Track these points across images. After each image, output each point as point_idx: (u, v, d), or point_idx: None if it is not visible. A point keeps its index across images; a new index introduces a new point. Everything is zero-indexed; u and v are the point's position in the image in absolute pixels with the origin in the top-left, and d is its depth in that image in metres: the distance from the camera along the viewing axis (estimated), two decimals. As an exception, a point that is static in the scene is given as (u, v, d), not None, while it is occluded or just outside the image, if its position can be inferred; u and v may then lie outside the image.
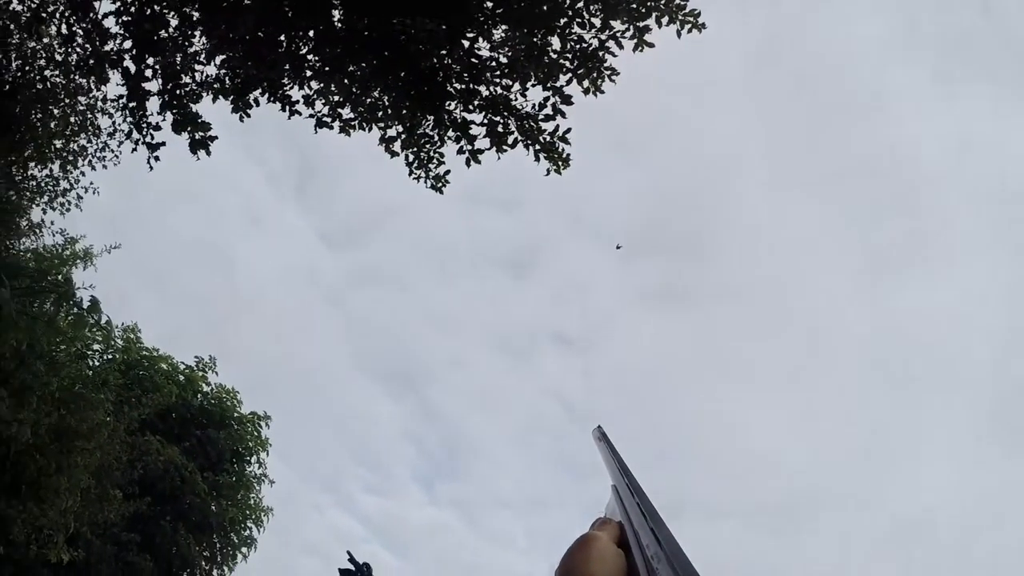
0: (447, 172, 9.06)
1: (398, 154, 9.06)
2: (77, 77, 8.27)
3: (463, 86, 8.56)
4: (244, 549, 17.35)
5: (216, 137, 8.92)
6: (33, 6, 7.44)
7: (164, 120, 8.96)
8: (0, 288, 8.05)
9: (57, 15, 7.62)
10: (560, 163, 8.46)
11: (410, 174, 9.10)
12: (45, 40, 7.97)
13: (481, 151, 8.61)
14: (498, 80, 8.39)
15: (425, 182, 9.12)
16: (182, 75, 9.07)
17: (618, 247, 13.19)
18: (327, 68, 9.15)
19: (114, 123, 9.23)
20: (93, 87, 8.65)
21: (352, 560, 10.86)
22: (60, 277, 9.83)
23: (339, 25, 9.04)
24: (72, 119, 8.60)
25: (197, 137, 8.84)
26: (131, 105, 8.92)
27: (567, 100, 8.16)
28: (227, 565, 16.77)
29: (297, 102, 9.24)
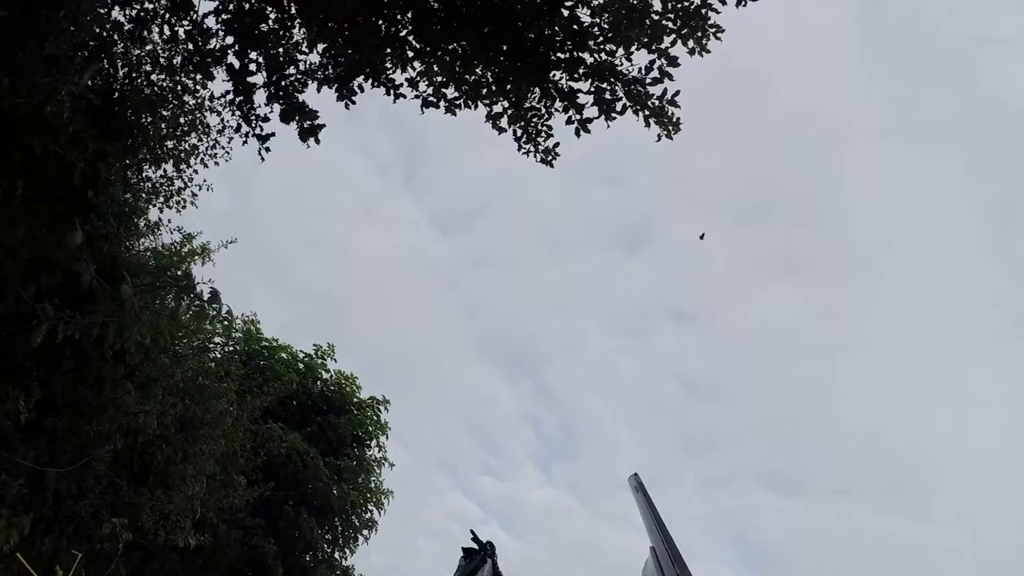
0: (556, 144, 8.77)
1: (506, 130, 8.82)
2: (182, 78, 8.38)
3: (566, 55, 8.21)
4: (365, 531, 17.70)
5: (324, 125, 8.88)
6: (133, 15, 7.55)
7: (272, 112, 9.03)
8: (123, 285, 8.25)
9: (158, 19, 7.70)
10: (671, 127, 8.04)
11: (519, 149, 8.84)
12: (148, 47, 8.11)
13: (590, 120, 8.28)
14: (601, 46, 7.99)
15: (535, 156, 8.87)
16: (286, 66, 9.07)
17: (702, 236, 13.17)
18: (428, 48, 8.95)
19: (222, 120, 9.34)
20: (199, 86, 8.75)
21: (475, 539, 10.67)
22: (180, 272, 10.12)
23: (435, 4, 8.76)
24: (181, 119, 8.74)
25: (306, 125, 8.84)
26: (238, 100, 9.01)
27: (673, 62, 7.73)
28: (349, 547, 17.19)
29: (401, 85, 9.11)
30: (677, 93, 7.86)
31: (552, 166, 8.89)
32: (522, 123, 8.75)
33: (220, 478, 12.00)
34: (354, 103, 9.18)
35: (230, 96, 9.01)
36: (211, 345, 13.04)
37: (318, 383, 18.01)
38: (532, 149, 8.79)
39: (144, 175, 8.98)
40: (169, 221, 9.95)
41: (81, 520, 8.46)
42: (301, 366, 17.64)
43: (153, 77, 8.17)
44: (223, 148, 9.53)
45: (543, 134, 8.72)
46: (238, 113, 9.12)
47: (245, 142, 9.14)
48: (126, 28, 7.60)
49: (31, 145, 6.49)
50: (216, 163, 9.65)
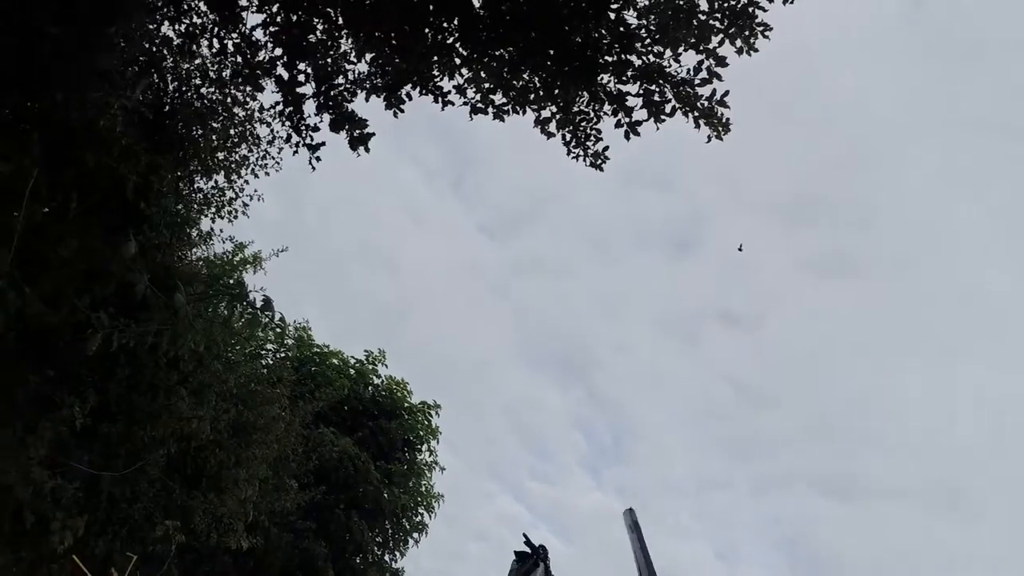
0: (606, 148, 8.71)
1: (554, 134, 8.81)
2: (232, 90, 8.50)
3: (614, 58, 8.21)
4: (415, 534, 17.71)
5: (373, 134, 8.92)
6: (182, 29, 7.69)
7: (321, 122, 9.13)
8: (176, 294, 8.37)
9: (207, 33, 7.82)
10: (720, 128, 7.96)
11: (568, 153, 8.84)
12: (197, 61, 8.27)
13: (639, 122, 8.21)
14: (649, 48, 7.92)
15: (584, 160, 8.84)
16: (334, 76, 9.15)
17: (740, 248, 13.51)
18: (475, 55, 8.96)
19: (272, 131, 9.44)
20: (248, 98, 8.87)
21: (528, 543, 10.57)
22: (232, 281, 10.27)
23: (481, 11, 8.72)
24: (232, 131, 8.87)
25: (356, 134, 8.91)
26: (288, 110, 9.12)
27: (721, 62, 7.63)
28: (399, 550, 17.24)
29: (449, 92, 9.06)
30: (726, 94, 7.79)
31: (602, 170, 8.82)
32: (571, 127, 8.72)
33: (272, 482, 12.14)
34: (402, 111, 9.23)
35: (280, 107, 9.11)
36: (263, 352, 13.25)
37: (369, 388, 18.13)
38: (581, 153, 8.76)
39: (196, 186, 9.15)
40: (221, 231, 10.13)
41: (135, 522, 8.64)
42: (352, 372, 17.78)
43: (203, 90, 8.32)
44: (273, 158, 9.66)
45: (592, 138, 8.67)
46: (288, 124, 9.23)
47: (295, 152, 9.26)
48: (175, 43, 7.75)
49: (84, 159, 6.66)
50: (267, 173, 9.78)
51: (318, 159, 9.02)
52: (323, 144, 9.04)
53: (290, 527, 13.50)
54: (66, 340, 6.99)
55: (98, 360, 7.64)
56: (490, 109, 8.88)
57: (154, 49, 7.61)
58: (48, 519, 6.59)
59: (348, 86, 9.03)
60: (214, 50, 8.07)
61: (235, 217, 9.85)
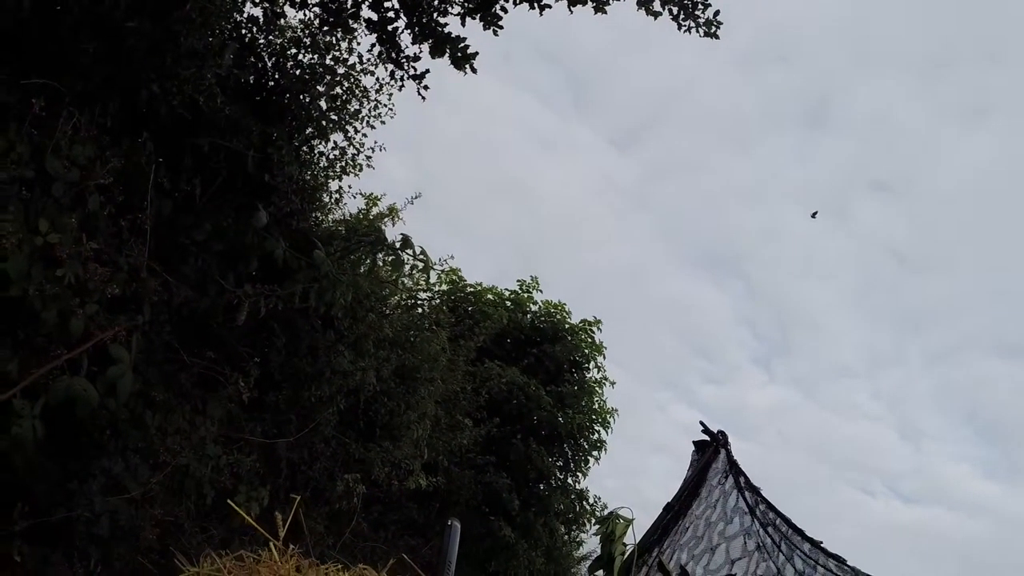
0: (716, 12, 8.23)
1: (660, 12, 8.37)
2: (325, 49, 8.39)
3: None
4: (595, 452, 17.76)
5: (477, 53, 8.54)
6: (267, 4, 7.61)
7: (421, 51, 8.84)
8: (315, 251, 8.55)
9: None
10: None
11: (679, 28, 8.41)
12: (289, 33, 8.19)
13: None
14: None
15: (698, 31, 8.38)
16: (424, 2, 8.88)
17: (814, 215, 13.54)
18: None
19: (378, 79, 9.26)
20: (345, 54, 8.71)
21: (706, 430, 10.19)
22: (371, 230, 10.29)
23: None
24: (337, 89, 8.76)
25: (458, 54, 8.68)
26: (385, 48, 8.97)
27: None
28: (580, 471, 17.38)
29: None
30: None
31: (717, 37, 8.29)
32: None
33: (445, 422, 12.47)
34: (501, 27, 8.89)
35: (376, 48, 8.96)
36: (417, 301, 13.46)
37: (527, 316, 18.08)
38: (693, 24, 8.29)
39: (317, 151, 9.19)
40: (350, 187, 10.17)
41: (317, 483, 9.12)
42: (508, 303, 17.83)
43: (300, 58, 8.29)
44: (385, 106, 9.48)
45: (699, 5, 8.19)
46: (390, 65, 9.05)
47: (402, 86, 9.16)
48: (260, 20, 7.73)
49: (198, 145, 6.81)
50: (382, 122, 9.62)
51: (425, 87, 8.85)
52: (427, 72, 8.87)
53: (470, 464, 13.85)
54: (219, 321, 7.34)
55: (255, 333, 8.02)
56: (589, 2, 8.32)
57: (243, 30, 7.61)
58: (232, 493, 7.05)
59: (438, 5, 8.73)
60: (296, 7, 7.94)
61: (360, 170, 9.81)
